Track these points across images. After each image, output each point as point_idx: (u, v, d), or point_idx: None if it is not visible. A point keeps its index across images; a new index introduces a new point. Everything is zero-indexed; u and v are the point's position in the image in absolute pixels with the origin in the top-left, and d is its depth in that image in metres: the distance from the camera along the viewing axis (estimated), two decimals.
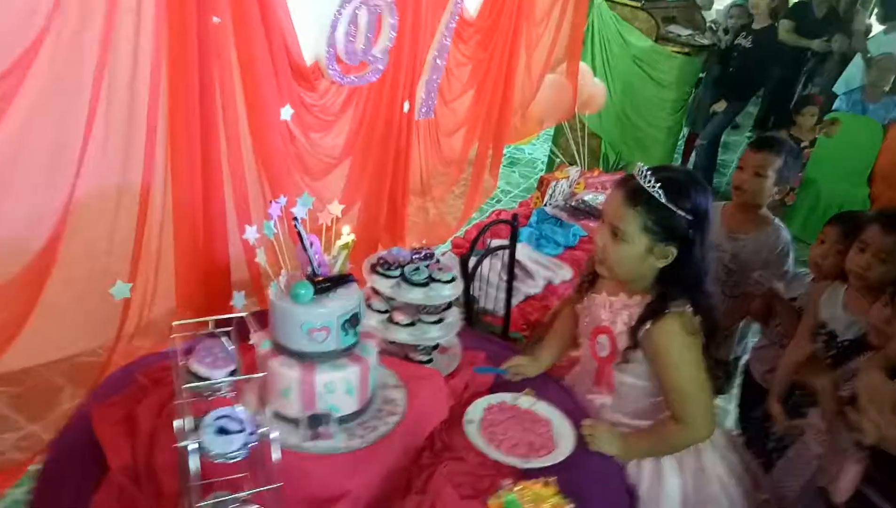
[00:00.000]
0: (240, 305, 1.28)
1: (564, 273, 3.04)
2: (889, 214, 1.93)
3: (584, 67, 4.60)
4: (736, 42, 5.10)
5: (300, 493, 1.29)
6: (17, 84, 1.25)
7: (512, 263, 2.50)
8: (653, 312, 1.51)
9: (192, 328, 1.10)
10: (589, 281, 1.71)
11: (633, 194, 1.47)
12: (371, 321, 1.77)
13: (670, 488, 1.61)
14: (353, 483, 1.33)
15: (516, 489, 1.36)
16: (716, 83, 5.49)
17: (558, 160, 5.18)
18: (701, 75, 5.58)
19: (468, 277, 2.21)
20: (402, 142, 2.56)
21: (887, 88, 5.28)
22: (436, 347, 1.84)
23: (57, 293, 1.48)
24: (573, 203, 3.64)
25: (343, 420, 1.43)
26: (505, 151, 5.91)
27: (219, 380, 1.04)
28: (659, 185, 1.44)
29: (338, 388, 1.40)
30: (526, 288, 2.89)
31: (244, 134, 1.79)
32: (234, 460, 0.99)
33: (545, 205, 3.57)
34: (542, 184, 3.68)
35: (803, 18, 5.82)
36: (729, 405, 2.72)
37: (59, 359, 1.54)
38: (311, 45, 2.03)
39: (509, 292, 2.48)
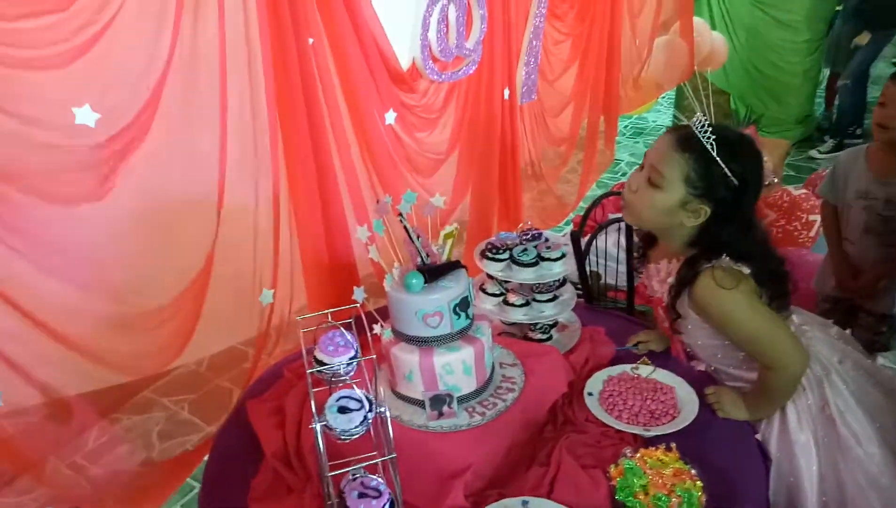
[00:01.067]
0: (360, 299, 1.39)
1: None
2: None
3: (699, 22, 4.37)
4: None
5: (428, 468, 1.39)
6: (150, 118, 1.45)
7: (630, 234, 2.46)
8: (683, 280, 1.47)
9: (315, 321, 1.22)
10: (641, 252, 1.68)
11: (685, 140, 1.44)
12: (486, 304, 1.83)
13: (799, 439, 1.53)
14: (476, 457, 1.40)
15: (637, 456, 1.36)
16: (855, 14, 4.95)
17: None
18: (837, 8, 5.08)
19: (581, 253, 2.21)
20: (506, 129, 2.60)
21: None
22: (554, 325, 1.87)
23: (214, 303, 1.69)
24: None
25: (464, 399, 1.51)
26: (627, 121, 5.80)
27: (337, 365, 1.14)
28: (714, 137, 1.40)
29: (456, 369, 1.48)
30: None
31: (353, 142, 1.92)
32: (357, 435, 1.10)
33: None
34: None
35: None
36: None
37: (217, 353, 1.76)
38: (405, 48, 2.13)
39: (629, 264, 2.44)
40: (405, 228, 1.48)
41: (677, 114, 5.07)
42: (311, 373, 1.17)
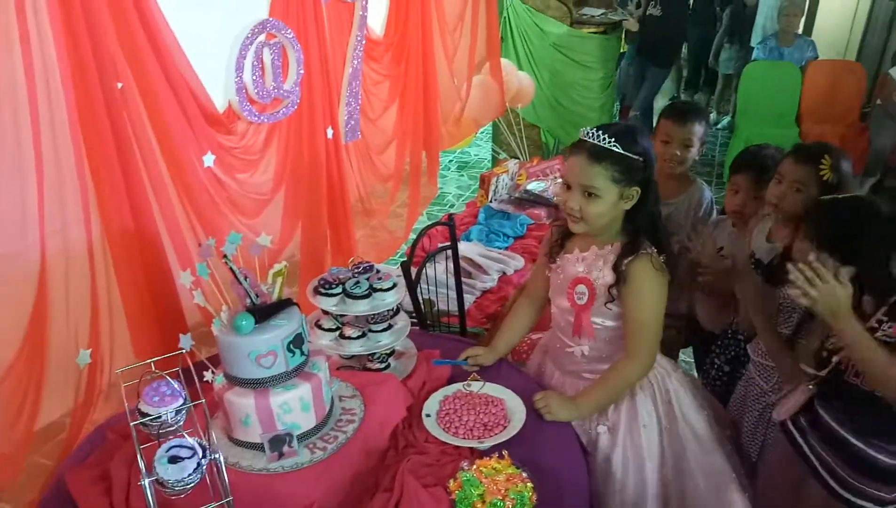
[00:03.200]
0: (187, 346, 1.34)
1: (516, 263, 3.15)
2: (800, 145, 2.06)
3: (506, 63, 4.74)
4: (648, 12, 5.28)
5: None
6: None
7: (456, 261, 2.60)
8: (630, 250, 1.69)
9: (138, 372, 1.17)
10: (559, 244, 1.85)
11: (594, 153, 1.65)
12: (323, 340, 1.85)
13: (647, 421, 1.76)
14: (319, 493, 1.41)
15: (473, 467, 1.44)
16: (638, 54, 5.67)
17: (501, 156, 5.31)
18: (622, 50, 5.77)
19: (413, 282, 2.30)
20: (333, 167, 2.65)
21: (799, 31, 5.51)
22: (391, 353, 1.92)
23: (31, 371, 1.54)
24: (517, 194, 3.75)
25: (304, 437, 1.51)
26: (451, 156, 6.09)
27: (164, 414, 1.11)
28: (613, 140, 1.63)
29: (294, 407, 1.48)
30: (481, 283, 2.99)
31: (170, 187, 1.86)
32: (191, 485, 1.06)
33: (490, 201, 3.68)
34: (484, 182, 3.80)
35: None
36: (689, 357, 2.84)
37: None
38: (220, 91, 2.12)
39: (458, 290, 2.57)
40: (231, 269, 1.47)
41: (496, 148, 5.42)
42: (136, 425, 1.11)
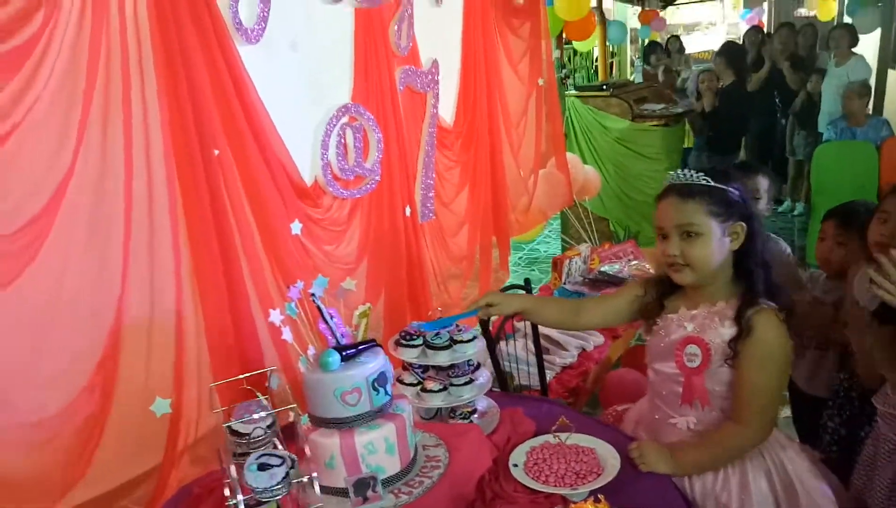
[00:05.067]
0: (275, 384, 1.36)
1: (596, 339, 3.08)
2: None
3: (572, 156, 4.86)
4: (711, 104, 5.38)
5: None
6: (48, 224, 1.44)
7: (535, 330, 2.56)
8: (751, 301, 1.54)
9: (230, 387, 1.19)
10: (658, 303, 1.72)
11: (685, 191, 1.57)
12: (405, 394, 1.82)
13: (760, 500, 1.57)
14: None
15: None
16: (702, 147, 5.72)
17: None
18: (687, 146, 5.85)
19: (492, 342, 2.28)
20: (412, 243, 2.72)
21: (869, 112, 5.47)
22: (473, 412, 1.87)
23: (110, 422, 1.58)
24: (591, 276, 3.73)
25: (389, 482, 1.46)
26: (521, 253, 6.14)
27: (253, 431, 1.10)
28: (702, 175, 1.56)
29: (378, 447, 1.44)
30: (560, 359, 2.92)
31: (260, 251, 1.95)
32: (279, 496, 1.03)
33: (564, 284, 3.66)
34: (557, 265, 3.80)
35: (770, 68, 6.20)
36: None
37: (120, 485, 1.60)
38: (307, 167, 2.25)
39: (539, 360, 2.52)
40: (318, 308, 1.50)
41: (565, 238, 5.45)
42: (228, 437, 1.11)
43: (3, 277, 1.37)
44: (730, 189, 1.56)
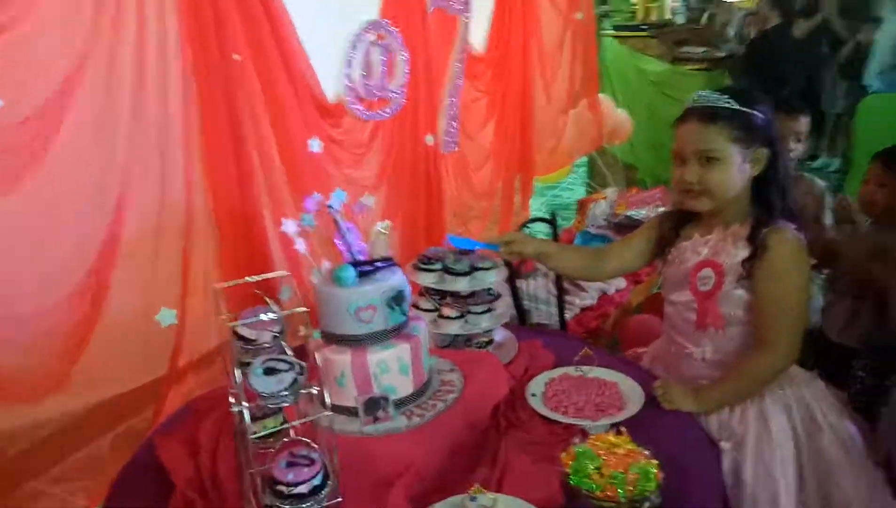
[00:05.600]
0: (286, 297, 1.30)
1: (618, 283, 3.00)
2: None
3: (604, 98, 4.68)
4: (754, 46, 5.11)
5: (366, 472, 1.26)
6: (59, 116, 1.37)
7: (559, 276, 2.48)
8: (765, 221, 1.49)
9: (239, 295, 1.13)
10: (672, 236, 1.66)
11: (707, 114, 1.49)
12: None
13: (779, 434, 1.50)
14: (416, 457, 1.29)
15: (588, 440, 1.29)
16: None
17: None
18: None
19: (514, 277, 2.20)
20: (432, 173, 2.64)
21: None
22: (490, 342, 1.81)
23: (108, 324, 1.54)
24: (616, 221, 3.62)
25: (400, 404, 1.41)
26: (542, 198, 6.01)
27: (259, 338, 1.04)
28: (727, 96, 1.47)
29: (391, 367, 1.39)
30: (580, 300, 2.85)
31: (277, 162, 1.88)
32: (286, 404, 0.98)
33: (588, 227, 3.57)
34: (582, 207, 3.70)
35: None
36: None
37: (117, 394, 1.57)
38: (330, 84, 2.15)
39: (560, 294, 2.45)
40: (335, 221, 1.43)
41: (591, 183, 5.31)
42: (235, 341, 1.05)
43: (9, 170, 1.32)
44: (755, 113, 1.48)
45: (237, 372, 0.97)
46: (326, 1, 2.12)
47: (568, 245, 1.85)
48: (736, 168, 1.50)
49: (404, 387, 1.42)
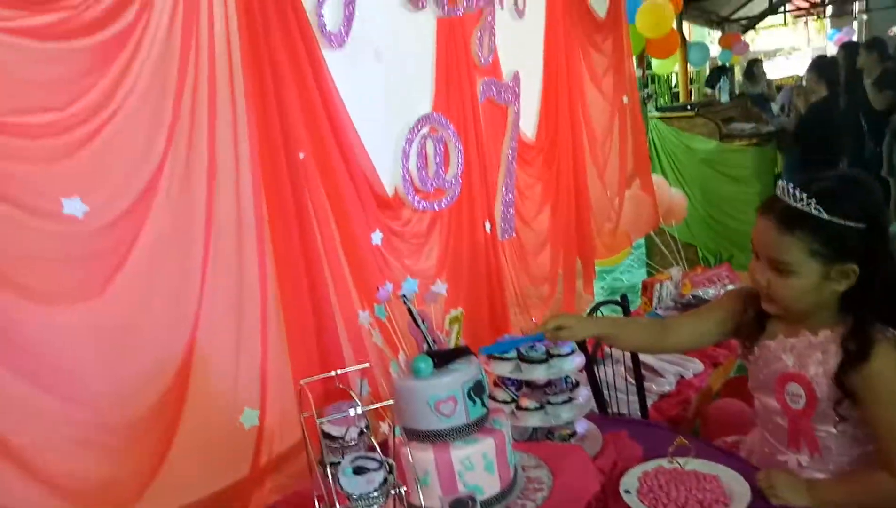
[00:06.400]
0: (364, 392, 1.25)
1: (695, 366, 2.84)
2: None
3: (658, 178, 4.65)
4: (804, 119, 5.05)
5: None
6: (140, 223, 1.39)
7: (637, 361, 2.36)
8: (858, 349, 1.30)
9: (320, 384, 1.08)
10: (757, 324, 1.49)
11: (787, 218, 1.30)
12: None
13: None
14: None
15: None
16: (793, 167, 5.38)
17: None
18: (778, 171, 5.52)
19: (591, 363, 2.10)
20: (491, 260, 2.60)
21: None
22: (573, 435, 1.70)
23: (190, 431, 1.50)
24: (684, 301, 3.49)
25: (487, 504, 1.31)
26: (602, 282, 5.90)
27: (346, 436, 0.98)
28: (814, 200, 1.26)
29: (476, 464, 1.30)
30: (658, 387, 2.70)
31: (342, 258, 1.87)
32: (375, 506, 0.90)
33: (655, 309, 3.44)
34: (647, 289, 3.58)
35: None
36: None
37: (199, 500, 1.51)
38: (388, 177, 2.17)
39: (639, 379, 2.32)
40: (409, 310, 1.38)
41: (652, 264, 5.20)
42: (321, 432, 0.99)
43: (95, 276, 1.33)
44: (848, 224, 1.26)
45: (326, 472, 0.90)
46: (382, 97, 2.18)
47: (626, 318, 1.70)
48: (813, 285, 1.32)
49: (491, 486, 1.32)
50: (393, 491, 0.92)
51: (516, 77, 2.88)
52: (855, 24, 10.94)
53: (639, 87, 4.73)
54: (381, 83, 2.18)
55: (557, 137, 3.25)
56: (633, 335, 1.67)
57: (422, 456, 1.29)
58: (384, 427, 1.30)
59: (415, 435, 1.33)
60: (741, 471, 1.43)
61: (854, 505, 1.37)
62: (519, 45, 2.92)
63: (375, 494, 0.89)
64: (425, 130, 2.33)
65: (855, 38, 10.52)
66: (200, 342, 1.49)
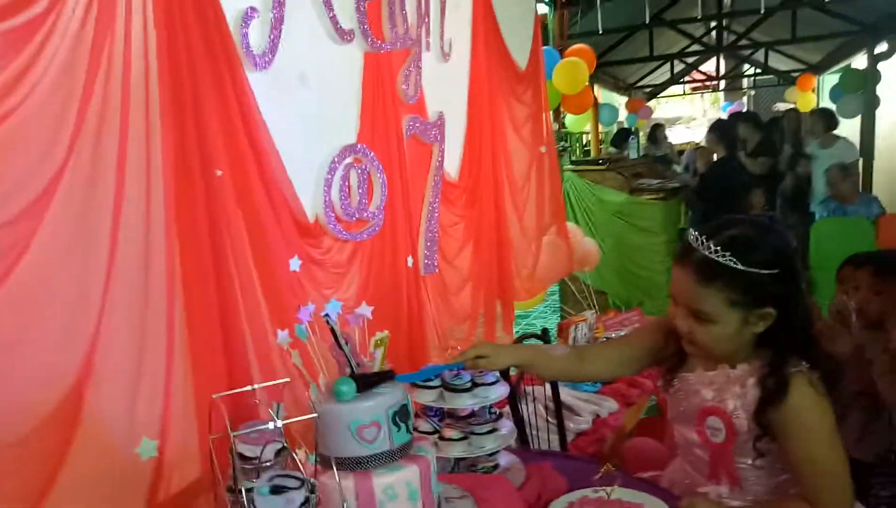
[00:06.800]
0: (281, 416, 1.15)
1: (610, 405, 2.89)
2: None
3: (573, 226, 4.79)
4: (705, 177, 5.39)
5: None
6: (33, 229, 1.26)
7: (555, 387, 2.36)
8: (776, 387, 1.31)
9: (229, 406, 0.98)
10: (676, 357, 1.50)
11: (704, 269, 1.31)
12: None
13: None
14: None
15: None
16: (697, 221, 5.69)
17: None
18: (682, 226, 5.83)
19: (515, 393, 2.07)
20: (412, 295, 2.56)
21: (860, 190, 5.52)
22: (496, 467, 1.65)
23: (80, 460, 1.34)
24: (599, 343, 3.55)
25: None
26: (518, 325, 5.93)
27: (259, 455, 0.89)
28: (728, 253, 1.28)
29: (400, 493, 1.22)
30: (575, 425, 2.71)
31: (256, 280, 1.78)
32: None
33: None
34: (562, 331, 3.62)
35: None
36: None
37: None
38: (309, 203, 2.11)
39: (559, 413, 2.31)
40: (332, 331, 1.31)
41: (566, 309, 5.29)
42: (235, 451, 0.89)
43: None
44: (762, 272, 1.28)
45: (238, 496, 0.81)
46: (305, 123, 2.12)
47: (545, 346, 1.70)
48: (733, 331, 1.34)
49: None
50: (314, 497, 0.84)
51: (441, 117, 2.90)
52: (745, 98, 11.93)
53: (556, 138, 4.91)
54: (306, 110, 2.12)
55: (480, 178, 3.29)
56: (552, 364, 1.66)
57: (342, 485, 1.20)
58: (301, 455, 1.20)
59: (335, 462, 1.24)
60: (665, 500, 1.42)
61: None
62: (444, 87, 2.95)
63: None
64: (349, 159, 2.28)
65: (744, 110, 11.47)
66: (98, 362, 1.34)
